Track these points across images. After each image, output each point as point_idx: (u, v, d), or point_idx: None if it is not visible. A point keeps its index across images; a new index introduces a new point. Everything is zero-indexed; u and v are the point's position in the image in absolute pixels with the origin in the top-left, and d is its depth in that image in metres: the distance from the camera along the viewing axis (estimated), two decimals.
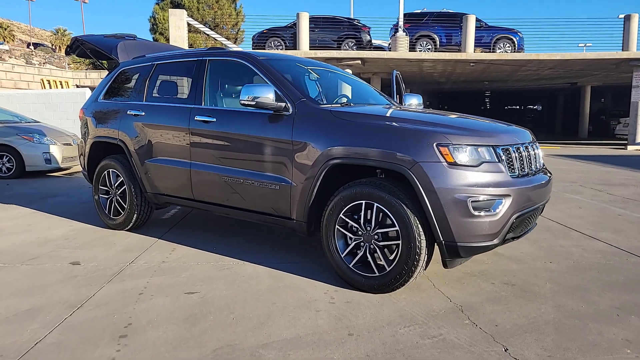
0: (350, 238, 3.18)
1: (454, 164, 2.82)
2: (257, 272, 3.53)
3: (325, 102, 3.83)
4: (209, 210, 4.09)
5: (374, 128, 3.08)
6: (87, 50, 5.35)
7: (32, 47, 39.32)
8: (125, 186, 4.60)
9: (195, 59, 4.20)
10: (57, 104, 11.84)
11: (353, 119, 3.23)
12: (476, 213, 2.79)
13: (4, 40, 35.21)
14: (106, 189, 4.82)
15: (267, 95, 3.38)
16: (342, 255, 3.20)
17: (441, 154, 2.83)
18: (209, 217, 5.38)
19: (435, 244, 2.96)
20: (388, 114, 3.29)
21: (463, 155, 2.84)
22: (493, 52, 16.67)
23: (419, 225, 2.88)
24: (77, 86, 17.01)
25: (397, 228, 2.93)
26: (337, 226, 3.21)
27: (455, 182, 2.79)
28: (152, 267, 3.63)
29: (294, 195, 3.40)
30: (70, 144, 9.11)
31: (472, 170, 2.83)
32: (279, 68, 3.81)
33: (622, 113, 28.81)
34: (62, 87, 16.56)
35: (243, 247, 4.18)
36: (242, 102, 3.43)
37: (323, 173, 3.21)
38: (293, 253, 4.01)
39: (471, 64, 16.26)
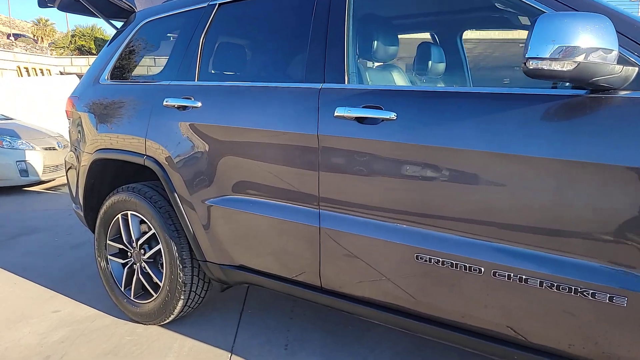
0: None
1: None
2: None
3: None
4: (354, 313, 1.88)
5: None
6: None
7: (12, 38, 36.61)
8: (160, 245, 2.37)
9: None
10: (35, 96, 9.46)
11: None
12: None
13: None
14: (121, 246, 2.59)
15: (612, 46, 1.19)
16: None
17: None
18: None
19: None
20: None
21: None
22: None
23: None
24: (61, 73, 14.58)
25: None
26: None
27: None
28: None
29: None
30: (54, 148, 6.81)
31: None
32: None
33: None
34: (42, 75, 14.10)
35: None
36: (539, 65, 1.23)
37: None
38: None
39: (520, 45, 14.11)
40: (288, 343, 2.34)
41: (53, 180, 7.12)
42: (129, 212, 2.48)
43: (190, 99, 2.20)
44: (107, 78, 2.74)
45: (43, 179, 6.57)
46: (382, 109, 1.64)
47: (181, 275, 2.32)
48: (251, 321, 2.56)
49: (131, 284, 2.56)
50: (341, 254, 1.79)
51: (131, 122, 2.43)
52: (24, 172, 6.35)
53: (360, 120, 1.68)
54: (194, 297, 2.41)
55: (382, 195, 1.65)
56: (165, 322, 2.46)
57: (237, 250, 2.13)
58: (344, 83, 1.79)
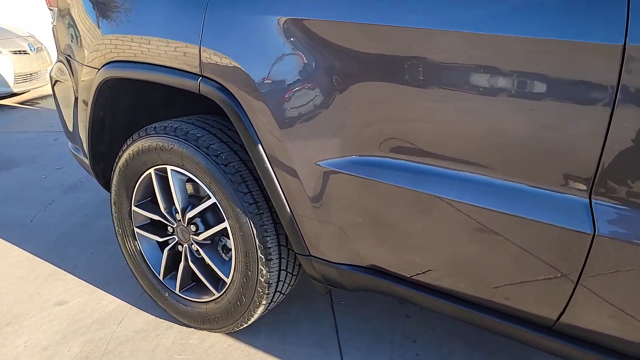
0: None
1: None
2: None
3: None
4: None
5: None
6: None
7: None
8: (227, 224, 1.47)
9: None
10: None
11: None
12: None
13: None
14: (155, 217, 1.67)
15: None
16: None
17: None
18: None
19: None
20: None
21: None
22: None
23: None
24: None
25: None
26: None
27: None
28: None
29: None
30: (25, 52, 5.55)
31: None
32: None
33: None
34: None
35: None
36: None
37: None
38: None
39: None
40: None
41: (27, 92, 5.95)
42: (169, 168, 1.54)
43: None
44: None
45: (15, 90, 5.41)
46: None
47: (264, 271, 1.45)
48: (353, 323, 1.76)
49: (175, 271, 1.70)
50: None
51: (168, 17, 1.40)
52: None
53: None
54: (277, 298, 1.57)
55: None
56: (233, 329, 1.64)
57: (371, 245, 1.25)
58: None
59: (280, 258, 1.47)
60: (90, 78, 1.64)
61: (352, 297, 1.91)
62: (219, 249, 1.61)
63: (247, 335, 1.68)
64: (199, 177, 1.47)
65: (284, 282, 1.54)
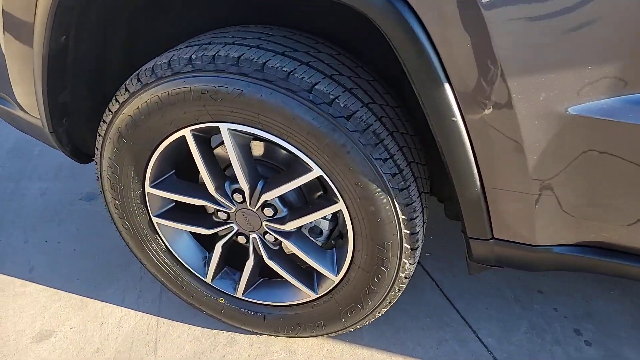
0: None
1: None
2: None
3: None
4: None
5: None
6: None
7: None
8: (341, 204, 0.92)
9: None
10: None
11: None
12: None
13: None
14: (199, 202, 1.05)
15: None
16: None
17: None
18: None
19: None
20: None
21: None
22: None
23: None
24: None
25: None
26: None
27: None
28: None
29: None
30: None
31: None
32: None
33: None
34: None
35: None
36: None
37: None
38: None
39: None
40: (586, 339, 1.27)
41: None
42: (226, 127, 0.91)
43: None
44: None
45: None
46: None
47: (407, 265, 0.98)
48: (459, 284, 1.39)
49: (229, 268, 1.16)
50: None
51: None
52: None
53: None
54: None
55: None
56: (335, 335, 1.19)
57: (624, 223, 0.84)
58: None
59: (423, 241, 1.00)
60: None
61: (431, 245, 1.51)
62: (306, 233, 1.08)
63: (349, 337, 1.24)
64: (293, 141, 0.87)
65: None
